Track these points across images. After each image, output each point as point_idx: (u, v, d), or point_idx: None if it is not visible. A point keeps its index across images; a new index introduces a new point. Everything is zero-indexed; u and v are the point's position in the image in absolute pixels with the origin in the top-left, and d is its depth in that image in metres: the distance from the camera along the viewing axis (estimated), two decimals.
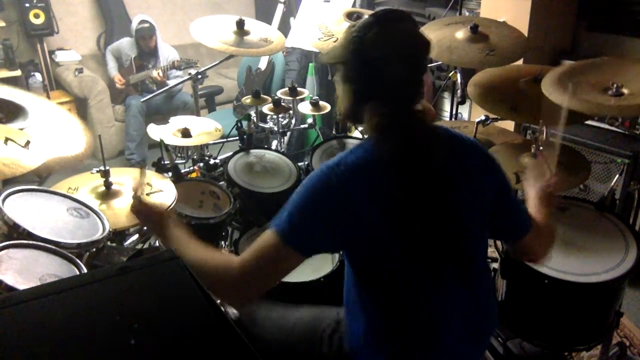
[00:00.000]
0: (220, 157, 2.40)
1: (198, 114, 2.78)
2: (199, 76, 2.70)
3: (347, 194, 1.06)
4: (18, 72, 4.00)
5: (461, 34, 2.11)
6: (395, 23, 1.09)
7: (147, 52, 4.14)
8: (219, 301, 1.81)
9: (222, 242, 2.04)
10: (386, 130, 1.10)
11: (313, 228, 1.08)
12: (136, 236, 2.06)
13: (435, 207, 1.08)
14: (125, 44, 4.20)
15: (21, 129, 1.59)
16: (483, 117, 2.14)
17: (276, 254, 1.08)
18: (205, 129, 2.30)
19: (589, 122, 2.56)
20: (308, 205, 1.09)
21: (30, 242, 1.24)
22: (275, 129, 2.67)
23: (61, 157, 1.64)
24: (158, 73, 3.98)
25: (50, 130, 1.72)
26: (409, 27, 1.11)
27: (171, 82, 3.88)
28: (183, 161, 2.69)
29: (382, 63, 1.07)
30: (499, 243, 1.65)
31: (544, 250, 1.31)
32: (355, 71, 1.11)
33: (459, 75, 2.38)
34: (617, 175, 1.95)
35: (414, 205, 1.06)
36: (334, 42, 2.25)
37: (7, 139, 1.41)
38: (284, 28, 4.07)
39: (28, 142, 1.46)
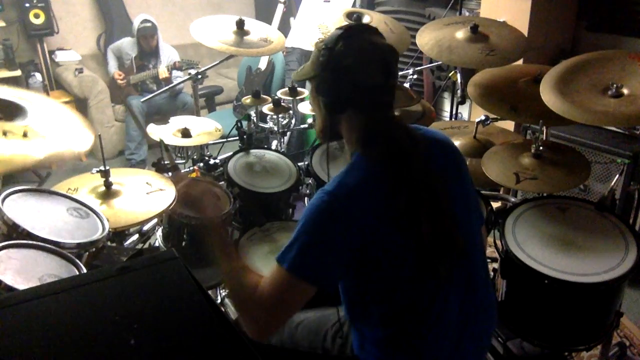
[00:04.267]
0: (220, 157, 2.40)
1: (198, 114, 2.78)
2: (199, 76, 2.69)
3: (352, 216, 1.06)
4: (18, 72, 4.00)
5: (461, 34, 2.11)
6: (361, 34, 1.13)
7: (148, 52, 4.14)
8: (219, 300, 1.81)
9: None
10: (369, 141, 1.12)
11: (323, 257, 1.08)
12: (136, 236, 2.06)
13: (433, 206, 1.09)
14: (127, 44, 4.20)
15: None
16: (483, 117, 2.14)
17: (290, 288, 1.08)
18: (205, 129, 2.30)
19: None
20: (314, 235, 1.08)
21: (30, 242, 1.24)
22: (275, 129, 2.67)
23: (62, 153, 1.63)
24: (164, 70, 3.99)
25: (51, 126, 1.71)
26: (374, 38, 1.14)
27: (172, 82, 3.88)
28: (183, 161, 2.69)
29: (352, 70, 1.09)
30: (499, 243, 1.65)
31: None
32: (326, 83, 1.13)
33: (459, 75, 2.38)
34: (617, 175, 1.95)
35: (414, 208, 1.07)
36: None
37: (5, 132, 1.40)
38: (284, 28, 4.07)
39: (26, 132, 1.44)
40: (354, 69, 1.09)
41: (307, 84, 3.85)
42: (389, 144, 1.10)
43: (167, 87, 3.21)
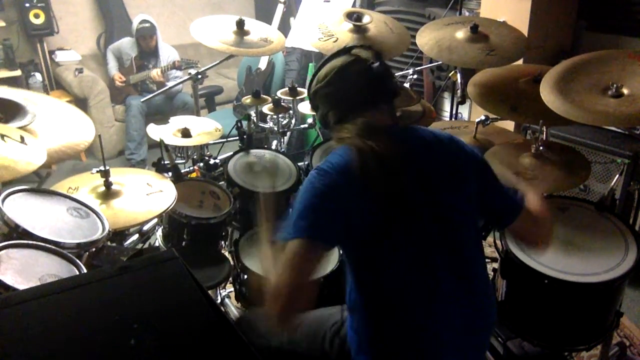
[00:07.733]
0: (220, 157, 2.40)
1: (198, 114, 2.78)
2: (199, 76, 2.69)
3: (343, 188, 1.13)
4: (18, 72, 4.00)
5: (461, 34, 2.11)
6: (335, 56, 1.25)
7: (147, 52, 4.14)
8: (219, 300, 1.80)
9: (222, 242, 2.04)
10: (348, 140, 1.21)
11: (326, 216, 1.13)
12: (136, 236, 2.06)
13: (413, 197, 1.15)
14: (126, 44, 4.20)
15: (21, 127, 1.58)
16: (483, 117, 2.15)
17: (297, 252, 1.08)
18: (205, 129, 2.30)
19: None
20: (314, 200, 1.13)
21: (30, 242, 1.24)
22: (275, 129, 2.67)
23: (64, 149, 1.63)
24: (157, 73, 3.98)
25: (52, 124, 1.71)
26: (348, 59, 1.24)
27: (171, 83, 3.88)
28: (183, 161, 2.69)
29: (329, 96, 1.25)
30: (499, 243, 1.65)
31: (542, 235, 1.34)
32: (314, 105, 1.30)
33: (459, 75, 2.38)
34: (617, 175, 1.95)
35: (394, 196, 1.13)
36: (334, 42, 2.24)
37: (2, 136, 1.41)
38: (284, 28, 4.07)
39: (22, 138, 1.45)
40: (331, 95, 1.25)
41: (308, 79, 3.88)
42: (367, 148, 1.16)
43: (167, 87, 3.21)
